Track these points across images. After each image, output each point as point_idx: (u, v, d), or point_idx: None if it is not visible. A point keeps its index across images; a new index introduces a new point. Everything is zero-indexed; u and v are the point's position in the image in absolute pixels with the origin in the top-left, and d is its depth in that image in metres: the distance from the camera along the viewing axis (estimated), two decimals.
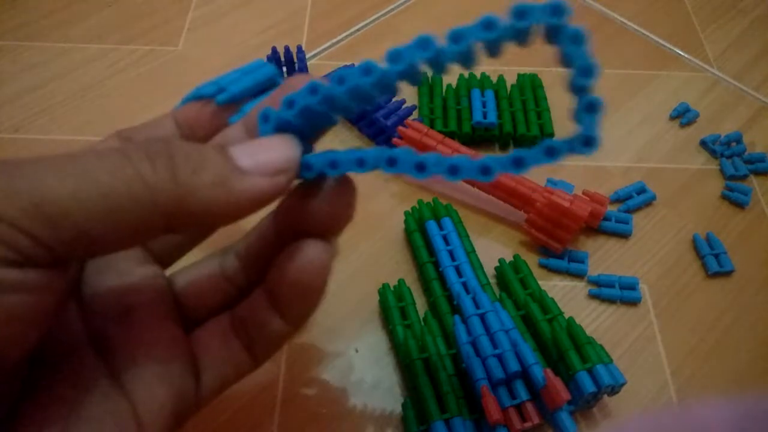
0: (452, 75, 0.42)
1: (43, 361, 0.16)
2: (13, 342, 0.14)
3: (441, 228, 0.33)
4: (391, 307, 0.30)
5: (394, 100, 0.40)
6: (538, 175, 0.36)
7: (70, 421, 0.15)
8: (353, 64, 0.42)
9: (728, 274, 0.33)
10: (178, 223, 0.14)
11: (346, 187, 0.17)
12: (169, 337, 0.18)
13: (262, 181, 0.15)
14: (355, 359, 0.30)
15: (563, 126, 0.39)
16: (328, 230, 0.17)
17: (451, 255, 0.31)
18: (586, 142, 0.14)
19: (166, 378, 0.17)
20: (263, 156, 0.15)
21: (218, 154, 0.15)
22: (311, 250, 0.17)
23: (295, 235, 0.17)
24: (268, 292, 0.18)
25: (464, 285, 0.30)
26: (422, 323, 0.30)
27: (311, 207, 0.17)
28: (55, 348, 0.17)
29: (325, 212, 0.17)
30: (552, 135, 0.38)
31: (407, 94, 0.41)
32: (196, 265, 0.20)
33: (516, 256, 0.33)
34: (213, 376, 0.18)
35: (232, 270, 0.20)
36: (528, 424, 0.25)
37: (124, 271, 0.19)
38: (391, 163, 0.15)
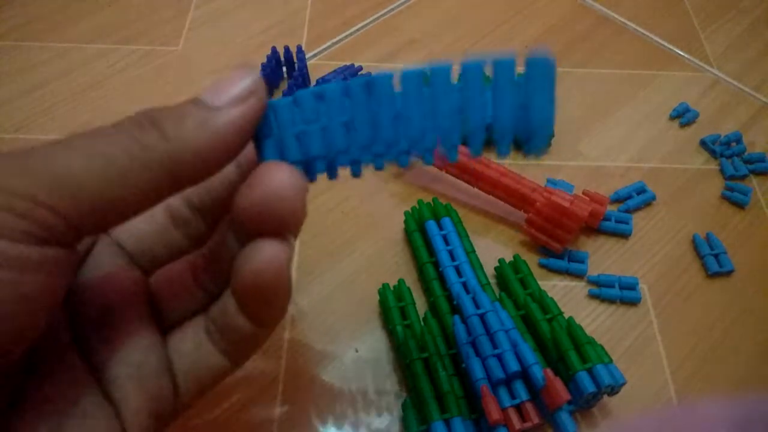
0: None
1: (32, 362, 0.17)
2: (25, 327, 0.14)
3: (441, 228, 0.33)
4: (391, 307, 0.30)
5: None
6: (538, 174, 0.36)
7: (60, 424, 0.16)
8: (353, 64, 0.42)
9: (728, 274, 0.33)
10: (182, 176, 0.15)
11: (294, 180, 0.17)
12: (147, 340, 0.18)
13: (237, 109, 0.16)
14: (355, 359, 0.30)
15: (563, 126, 0.39)
16: (281, 227, 0.17)
17: (451, 255, 0.31)
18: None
19: (143, 381, 0.17)
20: (230, 89, 0.16)
21: (191, 103, 0.16)
22: (266, 250, 0.16)
23: (250, 235, 0.17)
24: (234, 295, 0.18)
25: (464, 285, 0.30)
26: (422, 323, 0.30)
27: (258, 201, 0.16)
28: (45, 348, 0.17)
29: (275, 207, 0.16)
30: (552, 135, 0.38)
31: None
32: (171, 264, 0.20)
33: (516, 256, 0.33)
34: (188, 379, 0.18)
35: (201, 270, 0.20)
36: (528, 424, 0.25)
37: (108, 272, 0.19)
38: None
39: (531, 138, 0.17)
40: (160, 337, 0.19)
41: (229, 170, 0.20)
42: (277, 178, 0.16)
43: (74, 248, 0.15)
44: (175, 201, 0.20)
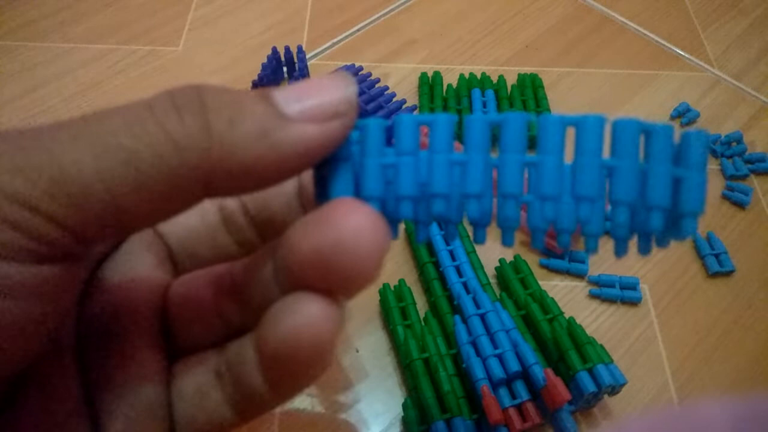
0: (452, 75, 0.42)
1: (22, 377, 0.14)
2: (9, 361, 0.12)
3: (441, 228, 0.33)
4: (392, 307, 0.30)
5: (395, 100, 0.40)
6: None
7: None
8: (354, 65, 0.42)
9: (729, 274, 0.33)
10: (217, 187, 0.12)
11: (377, 229, 0.12)
12: (148, 371, 0.15)
13: (313, 129, 0.12)
14: (356, 359, 0.30)
15: None
16: (340, 286, 0.13)
17: (452, 255, 0.31)
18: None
19: (134, 420, 0.14)
20: (314, 99, 0.13)
21: (260, 99, 0.12)
22: (310, 311, 0.12)
23: (295, 283, 0.13)
24: (257, 351, 0.14)
25: (465, 285, 0.30)
26: (423, 323, 0.30)
27: (324, 247, 0.12)
28: (40, 363, 0.14)
29: (343, 259, 0.12)
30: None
31: (408, 94, 0.41)
32: (193, 276, 0.17)
33: (516, 256, 0.33)
34: (186, 425, 0.15)
35: (225, 293, 0.16)
36: (528, 424, 0.25)
37: (127, 274, 0.16)
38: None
39: (679, 220, 0.13)
40: (164, 368, 0.15)
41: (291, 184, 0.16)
42: (355, 223, 0.12)
43: (80, 261, 0.12)
44: (232, 203, 0.17)
